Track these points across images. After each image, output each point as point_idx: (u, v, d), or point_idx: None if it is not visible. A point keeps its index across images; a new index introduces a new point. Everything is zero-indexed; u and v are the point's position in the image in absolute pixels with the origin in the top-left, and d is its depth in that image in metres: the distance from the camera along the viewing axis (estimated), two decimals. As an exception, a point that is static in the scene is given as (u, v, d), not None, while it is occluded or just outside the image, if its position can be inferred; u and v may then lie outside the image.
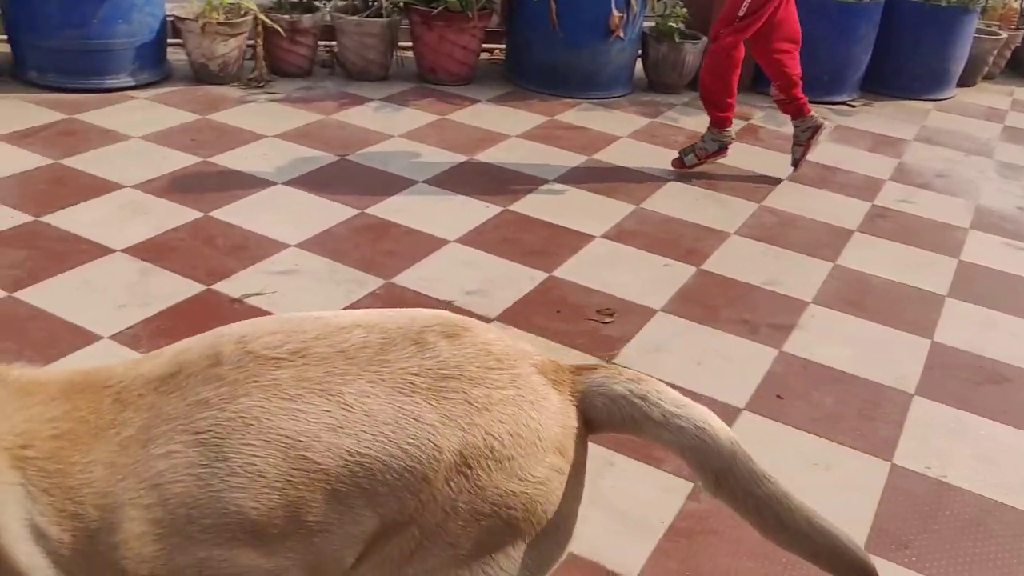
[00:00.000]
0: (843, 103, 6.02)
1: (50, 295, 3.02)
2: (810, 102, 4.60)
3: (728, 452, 1.29)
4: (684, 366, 3.00)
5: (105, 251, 3.32)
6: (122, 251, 3.33)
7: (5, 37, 4.93)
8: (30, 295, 3.01)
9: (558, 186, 4.32)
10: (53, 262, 3.22)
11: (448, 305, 3.20)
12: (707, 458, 1.29)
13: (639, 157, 4.73)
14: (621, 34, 5.46)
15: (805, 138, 4.55)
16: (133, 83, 4.96)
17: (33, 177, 3.87)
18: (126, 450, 1.15)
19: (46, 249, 3.30)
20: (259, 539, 1.15)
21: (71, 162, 4.04)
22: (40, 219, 3.51)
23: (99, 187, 3.83)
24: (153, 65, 5.08)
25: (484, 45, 5.77)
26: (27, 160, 4.01)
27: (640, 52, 5.85)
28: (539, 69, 5.64)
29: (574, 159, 4.66)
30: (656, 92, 5.84)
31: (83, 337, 2.81)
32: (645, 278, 3.54)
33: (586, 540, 2.23)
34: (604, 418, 1.32)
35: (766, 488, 1.30)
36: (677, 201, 4.27)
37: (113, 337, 2.82)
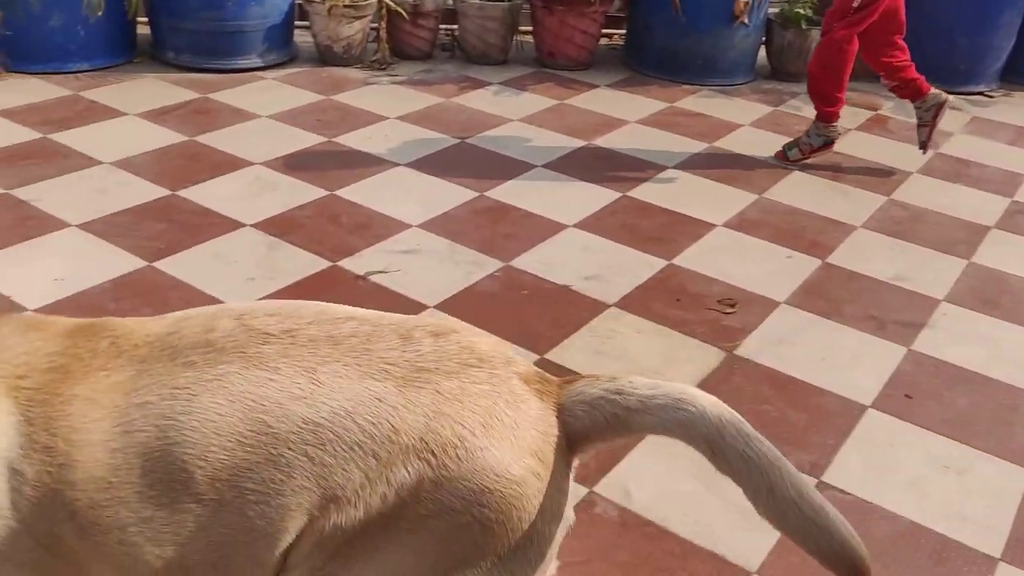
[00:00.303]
0: (980, 93, 5.75)
1: (186, 266, 3.15)
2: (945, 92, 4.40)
3: (714, 416, 1.23)
4: (808, 360, 2.92)
5: (236, 225, 3.45)
6: (251, 226, 3.45)
7: (147, 19, 5.15)
8: (168, 265, 3.14)
9: (677, 173, 4.26)
10: (189, 234, 3.35)
11: (566, 290, 3.20)
12: (695, 428, 1.23)
13: (761, 146, 4.62)
14: (746, 20, 5.33)
15: (929, 117, 4.34)
16: (262, 64, 5.11)
17: (170, 153, 4.04)
18: (109, 393, 1.20)
19: (182, 222, 3.44)
20: (199, 504, 1.17)
21: (204, 139, 4.20)
22: (176, 193, 3.66)
23: (230, 163, 3.97)
24: (281, 47, 5.22)
25: (603, 30, 5.73)
26: (164, 136, 4.18)
27: (764, 38, 5.71)
28: (659, 55, 5.57)
29: (694, 146, 4.59)
30: (779, 80, 5.68)
31: (217, 307, 2.92)
32: (767, 269, 3.46)
33: (706, 531, 2.21)
34: (588, 426, 1.28)
35: (757, 447, 1.22)
36: (801, 192, 4.15)
37: (244, 308, 2.92)
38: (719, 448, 1.23)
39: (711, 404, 1.25)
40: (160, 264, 3.15)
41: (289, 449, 1.17)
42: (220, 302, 2.91)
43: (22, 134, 4.08)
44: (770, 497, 1.22)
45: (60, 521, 1.17)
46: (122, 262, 3.14)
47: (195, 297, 2.97)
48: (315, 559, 1.20)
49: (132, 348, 1.24)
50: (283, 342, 1.22)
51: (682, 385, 1.28)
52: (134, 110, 4.45)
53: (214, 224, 3.44)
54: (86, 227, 3.35)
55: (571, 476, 1.30)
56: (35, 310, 2.83)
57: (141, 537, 1.18)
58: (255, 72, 5.06)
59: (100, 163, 3.86)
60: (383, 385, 1.20)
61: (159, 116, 4.41)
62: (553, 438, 1.24)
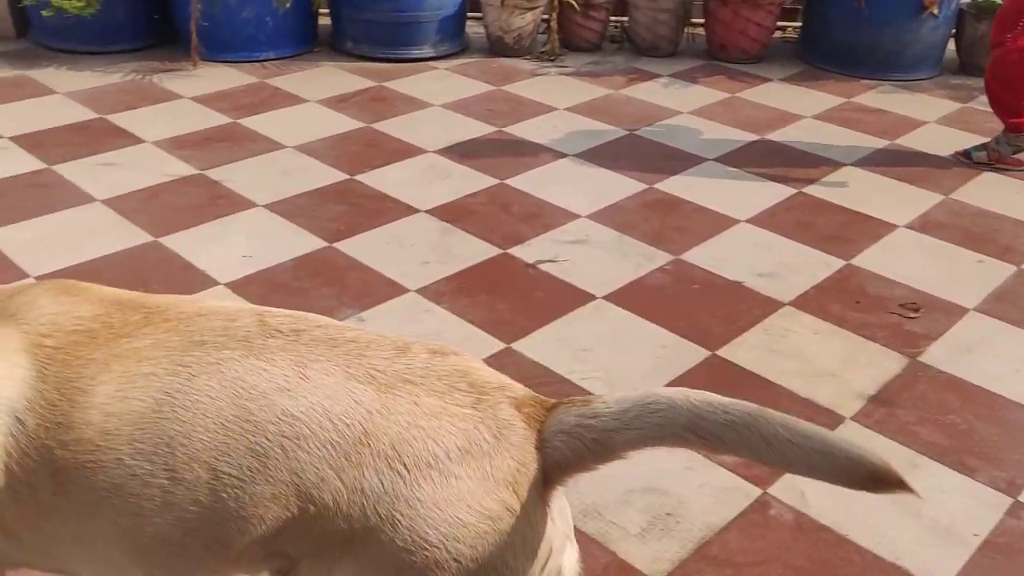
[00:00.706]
0: None
1: (364, 247, 3.26)
2: None
3: (683, 400, 1.17)
4: (999, 371, 2.74)
5: (411, 210, 3.54)
6: (426, 211, 3.53)
7: (327, 11, 5.36)
8: (347, 246, 3.26)
9: (856, 170, 4.08)
10: (366, 217, 3.47)
11: (738, 286, 3.12)
12: (673, 421, 1.16)
13: (947, 144, 4.36)
14: (935, 11, 5.05)
15: None
16: (434, 54, 5.23)
17: (348, 139, 4.19)
18: (123, 359, 1.23)
19: (360, 205, 3.57)
20: (172, 480, 1.19)
21: (380, 126, 4.33)
22: (354, 177, 3.79)
23: (405, 150, 4.08)
24: (453, 37, 5.33)
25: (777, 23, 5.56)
26: (343, 123, 4.35)
27: (954, 30, 5.39)
28: (836, 48, 5.35)
29: (874, 143, 4.39)
30: (968, 75, 5.34)
31: (393, 289, 3.01)
32: (955, 274, 3.27)
33: (888, 542, 2.11)
34: (569, 456, 1.21)
35: (734, 410, 1.15)
36: (993, 193, 3.90)
37: (419, 291, 3.00)
38: (702, 428, 1.16)
39: (676, 392, 1.19)
40: (339, 245, 3.27)
41: (266, 439, 1.18)
42: (397, 284, 3.02)
43: (214, 119, 4.34)
44: (767, 447, 1.14)
45: (43, 475, 1.21)
46: (304, 242, 3.29)
47: (372, 278, 3.07)
48: (310, 570, 1.20)
49: (162, 322, 1.28)
50: (287, 339, 1.26)
51: (646, 390, 1.21)
52: (315, 97, 4.64)
53: (390, 208, 3.55)
54: (272, 207, 3.52)
55: (549, 513, 1.24)
56: (226, 284, 3.00)
57: (106, 503, 1.21)
58: (427, 62, 5.19)
59: (284, 147, 4.05)
60: (364, 388, 1.20)
61: (338, 103, 4.58)
62: (530, 470, 1.20)
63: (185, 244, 3.24)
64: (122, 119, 4.29)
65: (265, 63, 5.06)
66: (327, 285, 3.03)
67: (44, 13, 4.70)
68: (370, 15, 5.11)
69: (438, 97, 4.70)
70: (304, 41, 5.26)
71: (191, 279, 3.02)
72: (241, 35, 5.00)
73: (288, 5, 4.89)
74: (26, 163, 3.81)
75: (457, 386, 1.23)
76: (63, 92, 4.57)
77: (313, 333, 1.27)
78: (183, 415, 1.20)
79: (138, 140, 4.07)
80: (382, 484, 1.15)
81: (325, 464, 1.17)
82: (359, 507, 1.16)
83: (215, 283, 3.00)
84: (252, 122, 4.31)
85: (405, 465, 1.16)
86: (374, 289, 3.01)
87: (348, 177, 3.79)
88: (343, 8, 5.24)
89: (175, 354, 1.24)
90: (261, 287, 2.99)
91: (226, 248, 3.23)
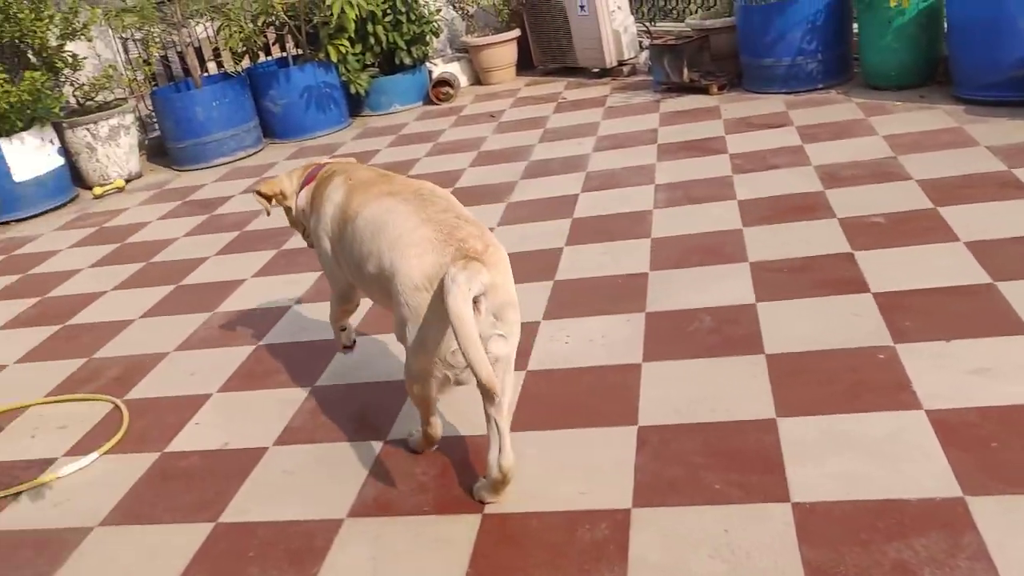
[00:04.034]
0: None
1: None
2: None
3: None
4: None
5: None
6: None
7: None
8: None
9: None
10: None
11: None
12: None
13: None
14: None
15: None
16: None
17: None
18: (359, 199, 2.80)
19: None
20: (363, 252, 2.71)
21: None
22: None
23: None
24: None
25: None
26: None
27: None
28: None
29: None
30: None
31: None
32: None
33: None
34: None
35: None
36: None
37: None
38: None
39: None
40: None
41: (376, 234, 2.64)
42: None
43: None
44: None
45: (340, 238, 2.88)
46: None
47: None
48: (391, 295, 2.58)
49: (373, 190, 2.81)
50: (413, 202, 2.63)
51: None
52: None
53: None
54: None
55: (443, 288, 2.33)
56: None
57: (355, 251, 2.75)
58: None
59: None
60: (421, 224, 2.51)
61: None
62: (439, 277, 2.38)
63: None
64: None
65: None
66: None
67: None
68: None
69: None
70: None
71: None
72: None
73: None
74: None
75: (441, 230, 2.47)
76: None
77: (431, 199, 2.62)
78: (360, 225, 2.72)
79: None
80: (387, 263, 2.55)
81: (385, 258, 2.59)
82: (388, 277, 2.55)
83: None
84: None
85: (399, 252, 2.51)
86: None
87: None
88: None
89: (373, 204, 2.72)
90: None
91: None
